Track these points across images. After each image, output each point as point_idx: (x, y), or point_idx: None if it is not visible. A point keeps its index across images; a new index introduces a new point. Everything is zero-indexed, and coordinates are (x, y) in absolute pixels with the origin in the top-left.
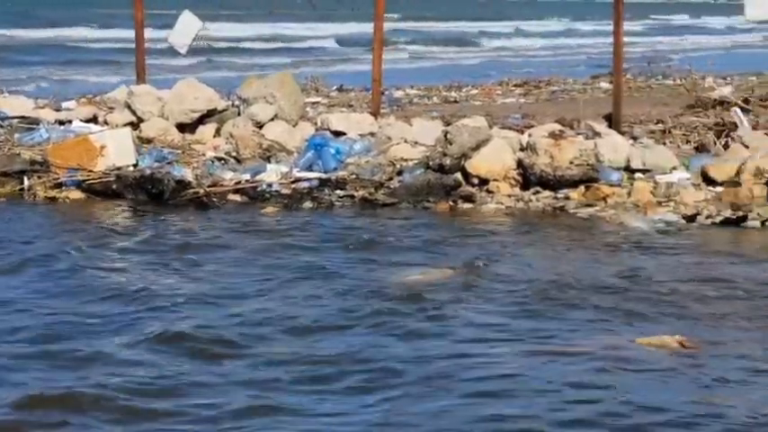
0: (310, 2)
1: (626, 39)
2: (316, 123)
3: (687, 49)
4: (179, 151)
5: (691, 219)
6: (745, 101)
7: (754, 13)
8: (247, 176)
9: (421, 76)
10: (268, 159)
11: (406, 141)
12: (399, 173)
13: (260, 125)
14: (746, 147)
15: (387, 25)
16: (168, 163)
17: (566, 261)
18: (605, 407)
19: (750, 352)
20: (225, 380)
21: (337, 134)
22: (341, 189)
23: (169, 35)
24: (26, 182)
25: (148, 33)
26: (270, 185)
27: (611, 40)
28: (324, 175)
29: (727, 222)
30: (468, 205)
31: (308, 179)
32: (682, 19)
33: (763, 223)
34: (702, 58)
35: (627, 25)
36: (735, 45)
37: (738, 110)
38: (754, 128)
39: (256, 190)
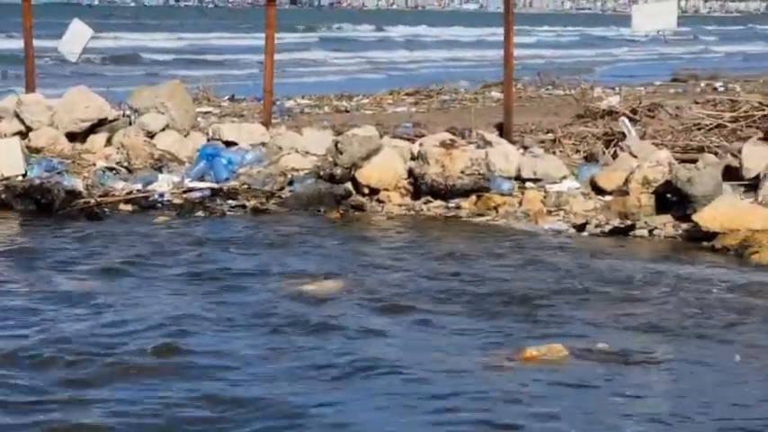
0: (202, 11)
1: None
2: (207, 133)
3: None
4: (69, 161)
5: (580, 228)
6: (633, 111)
7: (641, 24)
8: (139, 186)
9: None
10: (160, 169)
11: (297, 151)
12: (290, 183)
13: (151, 135)
14: (634, 156)
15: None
16: (58, 173)
17: (455, 267)
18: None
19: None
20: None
21: (229, 144)
22: (233, 199)
23: (59, 44)
24: None
25: (40, 42)
26: (161, 195)
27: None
28: (216, 185)
29: (615, 231)
30: (359, 213)
31: (200, 189)
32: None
33: (650, 232)
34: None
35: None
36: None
37: (626, 120)
38: (642, 137)
39: (148, 200)
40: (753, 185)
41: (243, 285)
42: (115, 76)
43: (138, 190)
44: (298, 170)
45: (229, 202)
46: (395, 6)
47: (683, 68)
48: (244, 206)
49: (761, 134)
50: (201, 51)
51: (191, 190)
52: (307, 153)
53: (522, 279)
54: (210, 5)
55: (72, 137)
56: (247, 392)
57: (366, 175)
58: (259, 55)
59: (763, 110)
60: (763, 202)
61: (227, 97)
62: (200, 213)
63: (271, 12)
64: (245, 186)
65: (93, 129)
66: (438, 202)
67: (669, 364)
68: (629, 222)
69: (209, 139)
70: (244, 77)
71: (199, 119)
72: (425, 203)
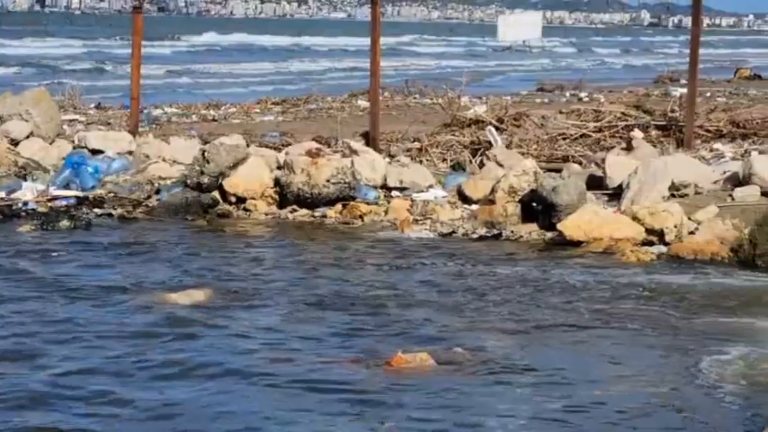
0: (68, 18)
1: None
2: (73, 141)
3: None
4: None
5: (447, 236)
6: (500, 120)
7: (506, 34)
8: (2, 194)
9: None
10: (24, 177)
11: (164, 160)
12: (158, 191)
13: (15, 142)
14: (501, 165)
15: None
16: None
17: (319, 274)
18: None
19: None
20: None
21: (95, 152)
22: (99, 207)
23: None
24: None
25: None
26: (26, 204)
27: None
28: (81, 194)
29: (481, 240)
30: (226, 221)
31: (66, 197)
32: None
33: (516, 240)
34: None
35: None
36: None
37: (493, 129)
38: (508, 147)
39: (11, 208)
40: (616, 194)
41: (104, 295)
42: None
43: (0, 198)
44: (165, 179)
45: (95, 210)
46: (262, 15)
47: (549, 78)
48: (110, 214)
49: (624, 144)
50: (68, 58)
51: (56, 198)
52: (174, 162)
53: (382, 285)
54: (78, 12)
55: None
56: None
57: (233, 183)
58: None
59: (626, 120)
60: (626, 210)
61: (93, 105)
62: (65, 222)
63: (137, 19)
64: (112, 195)
65: None
66: (304, 211)
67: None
68: (495, 231)
69: (74, 147)
70: (112, 87)
71: (65, 126)
72: (291, 212)
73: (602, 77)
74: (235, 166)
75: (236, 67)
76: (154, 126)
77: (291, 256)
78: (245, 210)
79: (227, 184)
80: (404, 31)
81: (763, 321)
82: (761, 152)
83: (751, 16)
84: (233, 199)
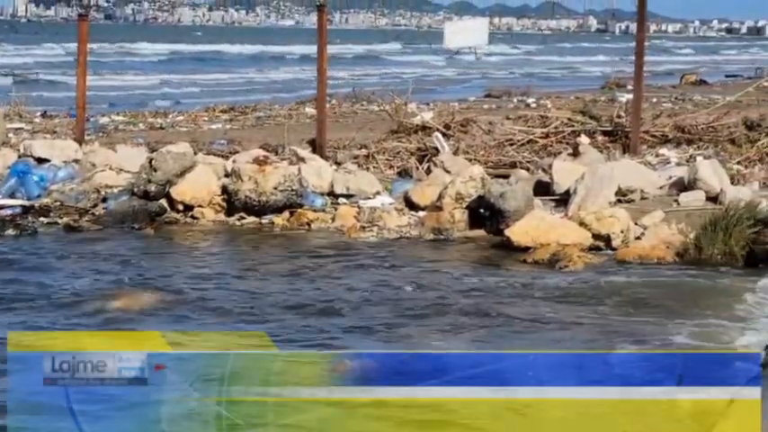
0: (13, 27)
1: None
2: (18, 150)
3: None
4: None
5: (394, 243)
6: (447, 126)
7: (453, 41)
8: None
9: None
10: None
11: (111, 168)
12: (104, 200)
13: None
14: (448, 172)
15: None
16: None
17: (268, 280)
18: None
19: None
20: None
21: (41, 161)
22: (45, 216)
23: None
24: None
25: None
26: None
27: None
28: (27, 203)
29: (428, 246)
30: (173, 229)
31: (11, 206)
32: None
33: (463, 246)
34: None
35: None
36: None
37: (440, 135)
38: (455, 153)
39: None
40: (563, 200)
41: (48, 302)
42: None
43: None
44: (112, 187)
45: (41, 219)
46: (210, 23)
47: (497, 84)
48: (56, 223)
49: (571, 150)
50: (13, 66)
51: (1, 207)
52: (121, 170)
53: (327, 290)
54: (24, 20)
55: None
56: None
57: (180, 191)
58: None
59: (573, 126)
60: (573, 216)
61: (39, 113)
62: (10, 231)
63: (83, 27)
64: (58, 203)
65: None
66: (252, 218)
67: None
68: (442, 237)
69: (20, 156)
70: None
71: (10, 135)
72: (239, 219)
73: (551, 83)
74: (182, 173)
75: (192, 77)
76: (100, 134)
77: (237, 264)
78: (193, 217)
79: (175, 192)
80: (352, 39)
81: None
82: (706, 157)
83: (697, 22)
84: (180, 207)
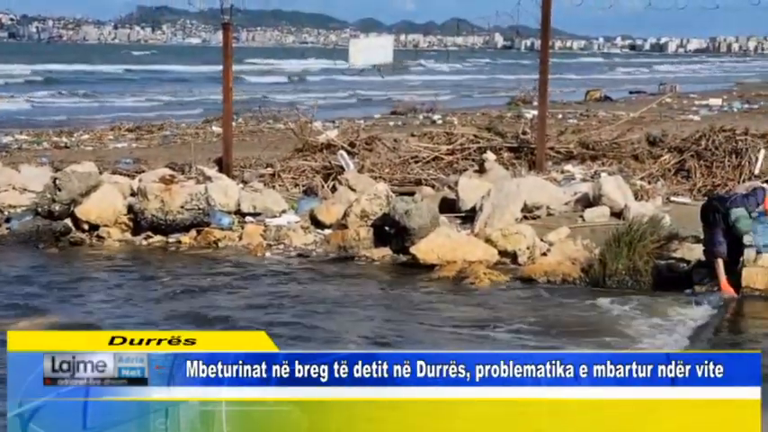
0: None
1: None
2: None
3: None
4: None
5: (300, 261)
6: (351, 144)
7: (358, 59)
8: None
9: None
10: None
11: (14, 188)
12: (8, 220)
13: None
14: (353, 189)
15: None
16: None
17: (172, 299)
18: None
19: None
20: None
21: None
22: None
23: None
24: None
25: None
26: None
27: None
28: None
29: (333, 264)
30: (78, 249)
31: None
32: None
33: (369, 264)
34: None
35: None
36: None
37: (345, 153)
38: (360, 171)
39: None
40: (469, 217)
41: None
42: None
43: None
44: (15, 207)
45: None
46: (116, 41)
47: (402, 102)
48: None
49: (476, 166)
50: None
51: None
52: (25, 190)
53: (230, 307)
54: None
55: None
56: None
57: (85, 211)
58: None
59: (479, 142)
60: (479, 233)
61: None
62: None
63: None
64: None
65: None
66: (159, 237)
67: None
68: (347, 255)
69: None
70: None
71: None
72: (146, 239)
73: (457, 99)
74: (87, 193)
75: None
76: (4, 153)
77: (142, 283)
78: (99, 237)
79: (80, 211)
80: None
81: None
82: (610, 173)
83: (601, 39)
84: (86, 226)
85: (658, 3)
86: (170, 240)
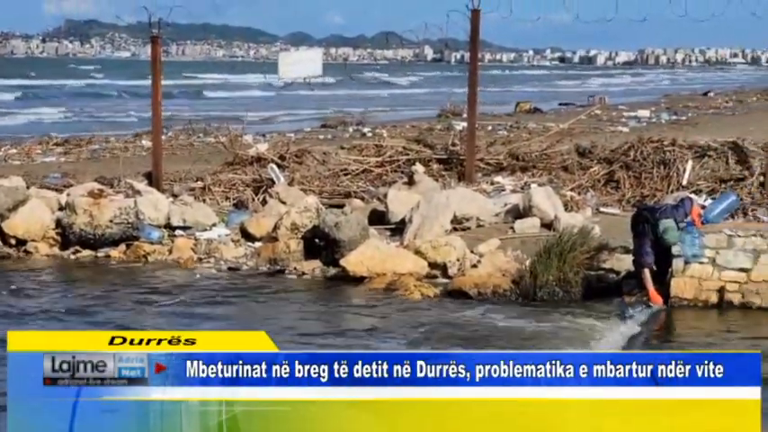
0: None
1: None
2: None
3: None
4: None
5: (230, 274)
6: (281, 157)
7: (287, 72)
8: None
9: None
10: None
11: None
12: None
13: None
14: (283, 202)
15: None
16: None
17: (96, 314)
18: None
19: None
20: None
21: None
22: None
23: None
24: None
25: None
26: None
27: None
28: None
29: (263, 277)
30: (5, 264)
31: None
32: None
33: (300, 277)
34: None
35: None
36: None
37: (275, 166)
38: (290, 184)
39: None
40: (399, 229)
41: None
42: None
43: None
44: None
45: None
46: (45, 54)
47: (333, 115)
48: None
49: (406, 178)
50: None
51: None
52: None
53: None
54: None
55: None
56: None
57: (12, 225)
58: None
59: (408, 154)
60: (409, 245)
61: None
62: None
63: None
64: None
65: None
66: (87, 252)
67: None
68: (278, 267)
69: None
70: None
71: None
72: (74, 253)
73: (387, 112)
74: (14, 208)
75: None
76: None
77: (66, 298)
78: (26, 252)
79: (7, 226)
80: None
81: None
82: (540, 185)
83: (531, 51)
84: (13, 241)
85: (586, 15)
86: (99, 255)
